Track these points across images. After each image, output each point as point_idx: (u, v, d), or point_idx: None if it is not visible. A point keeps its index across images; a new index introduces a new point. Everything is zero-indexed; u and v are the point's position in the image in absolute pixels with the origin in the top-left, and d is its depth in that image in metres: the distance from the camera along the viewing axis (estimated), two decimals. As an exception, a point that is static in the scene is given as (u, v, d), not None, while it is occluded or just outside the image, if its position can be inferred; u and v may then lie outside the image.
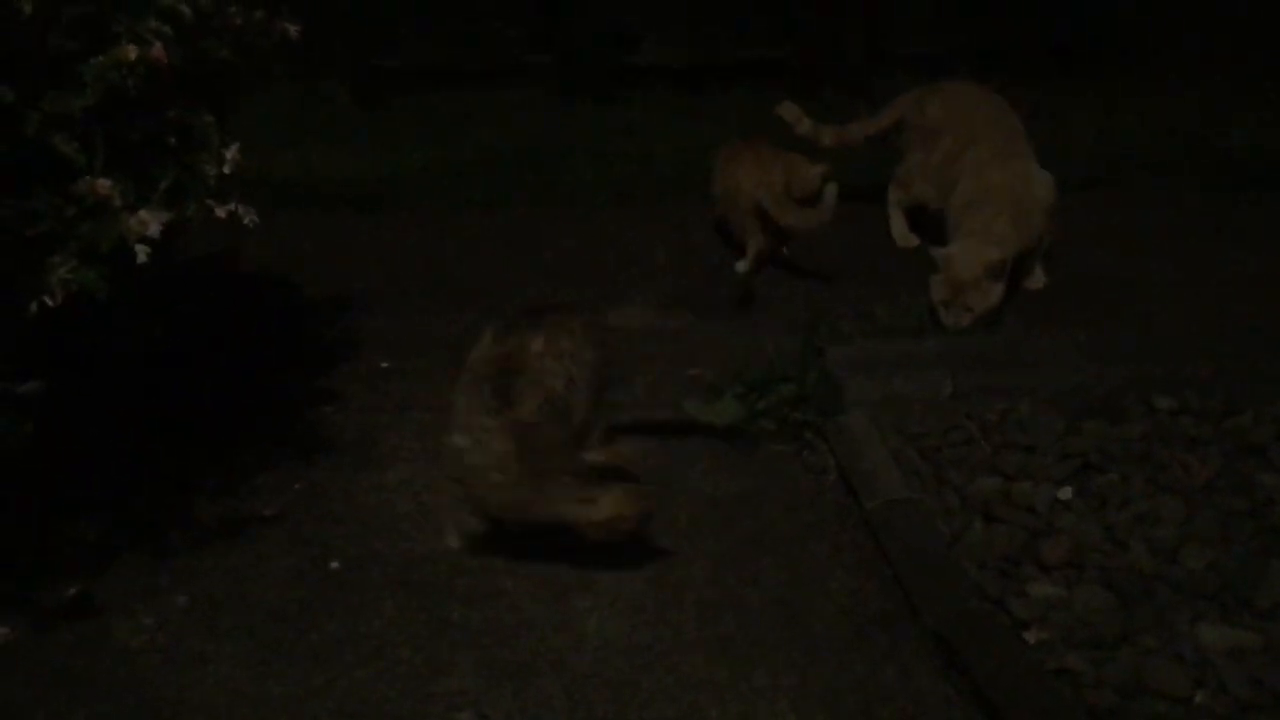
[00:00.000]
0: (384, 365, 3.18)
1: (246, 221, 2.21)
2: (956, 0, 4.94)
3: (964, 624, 2.21)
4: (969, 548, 2.42)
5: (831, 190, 3.47)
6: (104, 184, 1.94)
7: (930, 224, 3.67)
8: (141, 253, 2.02)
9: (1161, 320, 3.27)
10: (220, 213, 2.18)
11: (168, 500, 2.63)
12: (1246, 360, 2.89)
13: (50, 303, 2.00)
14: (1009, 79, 4.33)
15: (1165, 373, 2.86)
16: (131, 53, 2.05)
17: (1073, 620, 2.23)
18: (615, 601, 2.36)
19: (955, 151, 3.56)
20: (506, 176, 4.38)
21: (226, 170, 2.18)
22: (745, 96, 4.91)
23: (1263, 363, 2.88)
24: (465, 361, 2.44)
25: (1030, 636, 2.20)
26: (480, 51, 5.14)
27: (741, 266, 3.65)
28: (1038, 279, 3.49)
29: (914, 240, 3.79)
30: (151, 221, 1.99)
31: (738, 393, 2.92)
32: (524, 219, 4.14)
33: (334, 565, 2.46)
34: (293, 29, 2.52)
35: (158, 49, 2.08)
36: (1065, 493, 2.54)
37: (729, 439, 2.83)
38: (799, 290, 3.55)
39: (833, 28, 4.98)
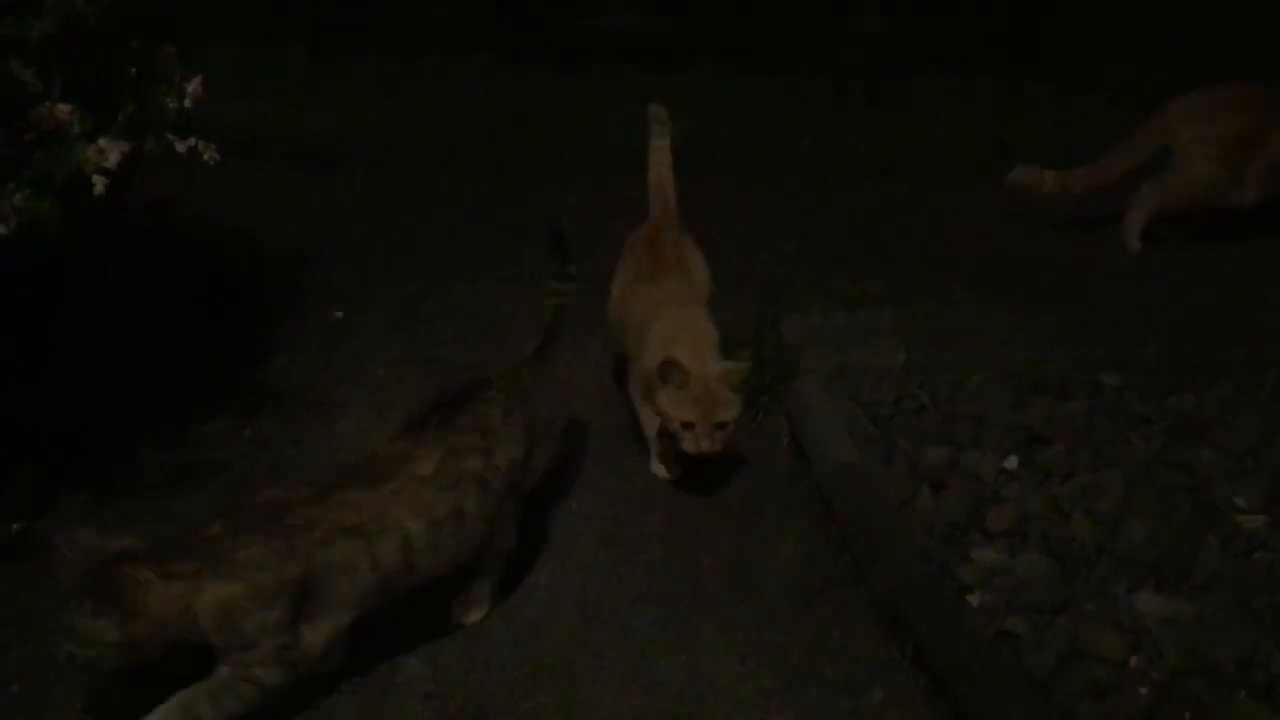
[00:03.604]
0: (337, 316, 3.15)
1: (206, 158, 2.17)
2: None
3: (909, 588, 2.24)
4: (917, 514, 2.46)
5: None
6: (63, 109, 1.90)
7: None
8: (99, 183, 1.98)
9: (1110, 303, 3.33)
10: (180, 147, 2.14)
11: (113, 445, 2.58)
12: (1191, 344, 2.96)
13: (3, 230, 1.95)
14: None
15: (1112, 353, 2.92)
16: (94, -20, 2.01)
17: (1015, 586, 2.27)
18: (566, 558, 2.37)
19: None
20: (461, 141, 4.35)
21: (187, 104, 2.13)
22: (704, 72, 4.92)
23: (1206, 346, 2.95)
24: None
25: (973, 600, 2.24)
26: (437, 14, 5.09)
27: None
28: None
29: None
30: (111, 151, 1.95)
31: (693, 357, 2.93)
32: (478, 184, 4.11)
33: (283, 512, 2.44)
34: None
35: (120, -23, 2.04)
36: (1011, 463, 2.58)
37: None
38: (758, 261, 3.57)
39: (793, 4, 5.01)
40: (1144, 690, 2.04)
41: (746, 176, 4.12)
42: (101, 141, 1.95)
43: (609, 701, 2.02)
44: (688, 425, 2.41)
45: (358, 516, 1.90)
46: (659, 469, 2.63)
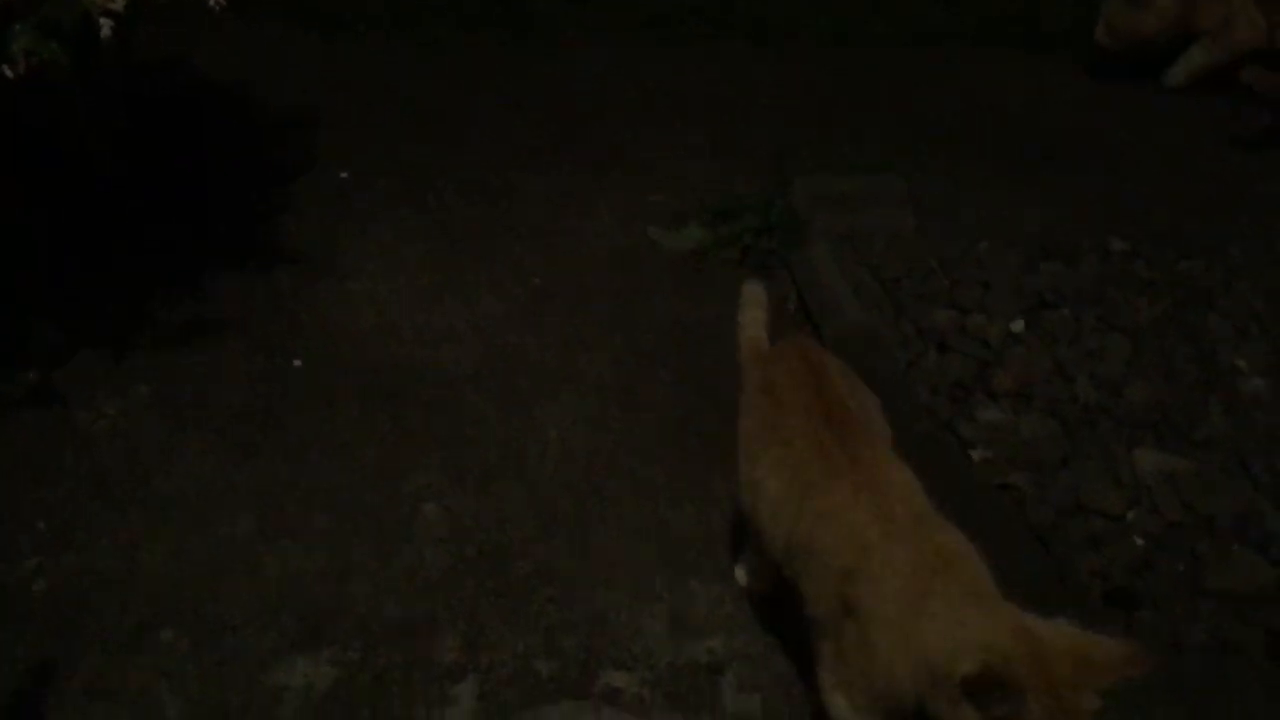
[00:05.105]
0: (343, 176, 3.13)
1: (212, 3, 2.14)
2: None
3: (913, 442, 2.27)
4: (923, 374, 2.49)
5: None
6: (69, -55, 1.86)
7: None
8: (105, 26, 1.95)
9: (1121, 172, 3.30)
10: (186, -9, 2.10)
11: (128, 301, 2.59)
12: (1200, 212, 2.96)
13: (10, 74, 1.93)
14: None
15: (1122, 220, 2.92)
16: None
17: (1018, 444, 2.32)
18: (578, 415, 2.40)
19: None
20: (473, 5, 4.25)
21: (193, -54, 2.09)
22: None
23: (1215, 215, 2.95)
24: None
25: (976, 455, 2.29)
26: None
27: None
28: None
29: None
30: (117, -9, 1.92)
31: (703, 220, 2.93)
32: (489, 50, 4.03)
33: (297, 364, 2.47)
34: None
35: None
36: (1017, 326, 2.60)
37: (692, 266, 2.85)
38: (768, 126, 3.53)
39: None
40: (1140, 541, 2.10)
41: (763, 42, 4.05)
42: (108, -18, 1.92)
43: (620, 547, 2.08)
44: None
45: None
46: None
